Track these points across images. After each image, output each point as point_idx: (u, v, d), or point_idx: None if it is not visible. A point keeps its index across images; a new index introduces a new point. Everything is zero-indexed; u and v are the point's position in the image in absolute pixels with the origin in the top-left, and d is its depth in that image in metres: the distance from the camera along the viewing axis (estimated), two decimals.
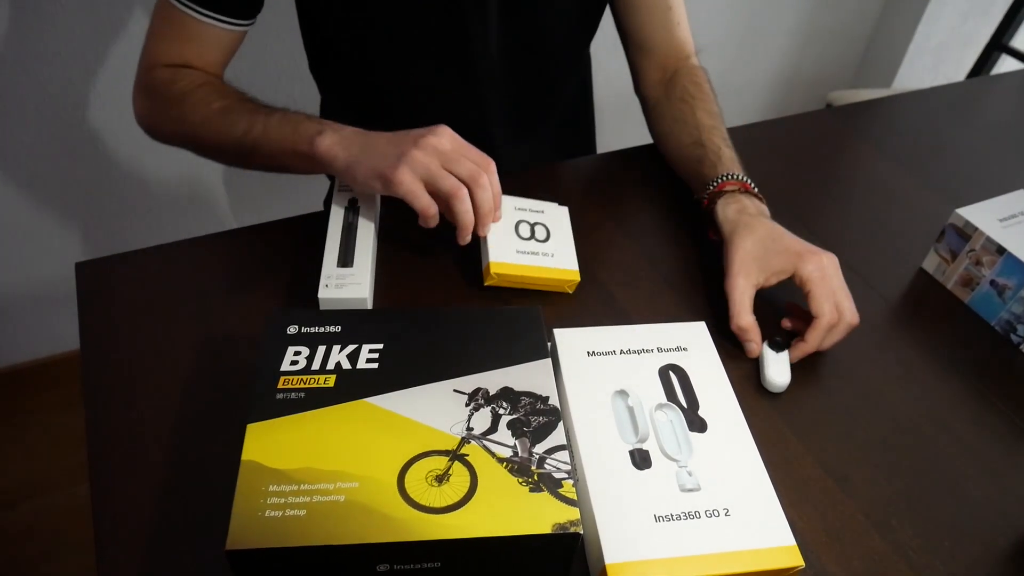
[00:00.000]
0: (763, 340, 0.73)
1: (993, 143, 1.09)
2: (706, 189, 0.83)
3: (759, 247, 0.75)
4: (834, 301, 0.71)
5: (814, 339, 0.71)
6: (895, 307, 0.81)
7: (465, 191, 0.71)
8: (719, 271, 0.78)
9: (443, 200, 0.71)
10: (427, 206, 0.70)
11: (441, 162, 0.71)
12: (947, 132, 1.11)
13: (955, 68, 2.27)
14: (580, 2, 0.93)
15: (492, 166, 0.73)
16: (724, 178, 0.81)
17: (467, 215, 0.71)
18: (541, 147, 1.06)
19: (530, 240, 0.77)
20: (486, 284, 0.75)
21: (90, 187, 1.48)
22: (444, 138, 0.72)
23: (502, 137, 1.01)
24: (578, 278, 0.76)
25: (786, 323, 0.76)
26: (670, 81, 0.95)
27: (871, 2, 2.15)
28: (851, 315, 0.72)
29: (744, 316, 0.73)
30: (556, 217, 0.81)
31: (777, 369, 0.71)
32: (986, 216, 0.80)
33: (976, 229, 0.79)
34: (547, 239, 0.78)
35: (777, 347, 0.72)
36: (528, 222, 0.79)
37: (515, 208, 0.80)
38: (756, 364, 0.72)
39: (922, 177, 1.01)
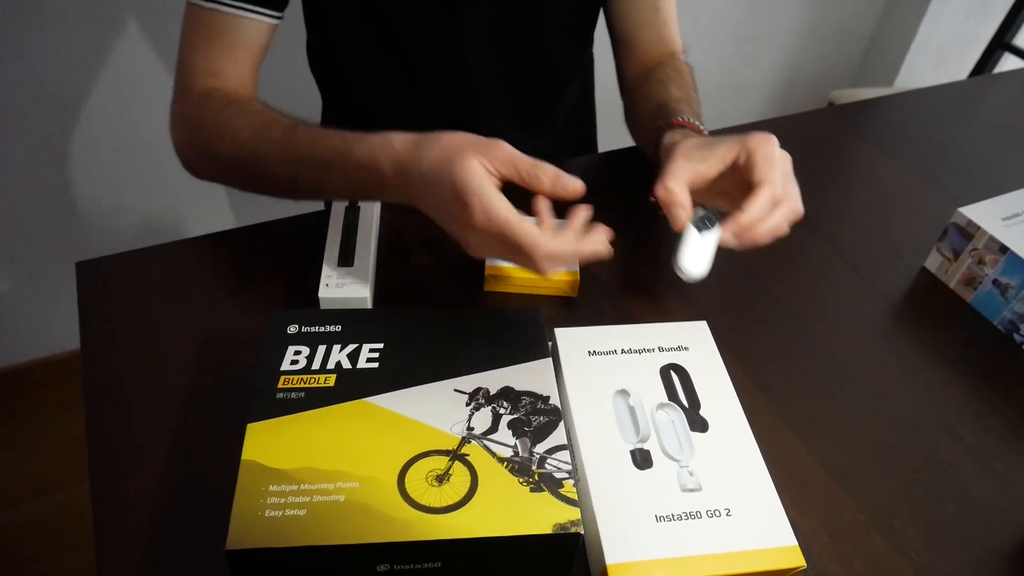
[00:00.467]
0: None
1: (995, 142, 1.09)
2: (659, 129, 0.78)
3: (703, 141, 0.69)
4: (782, 175, 0.64)
5: (754, 209, 0.62)
6: (897, 306, 0.80)
7: (532, 259, 0.60)
8: (721, 270, 0.77)
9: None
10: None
11: (500, 255, 0.62)
12: (949, 131, 1.11)
13: (957, 67, 2.26)
14: (574, 1, 0.93)
15: (536, 180, 0.61)
16: (681, 119, 0.78)
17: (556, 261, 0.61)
18: (541, 145, 1.06)
19: None
20: (486, 289, 0.75)
21: (90, 186, 1.48)
22: (488, 242, 0.60)
23: (500, 134, 1.01)
24: (578, 278, 0.76)
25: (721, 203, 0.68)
26: (650, 70, 0.94)
27: (872, 1, 2.15)
28: (797, 201, 0.65)
29: (672, 179, 0.64)
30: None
31: (695, 252, 0.62)
32: (989, 215, 0.80)
33: (979, 228, 0.79)
34: None
35: (702, 225, 0.62)
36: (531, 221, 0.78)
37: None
38: (756, 360, 0.72)
39: (924, 176, 1.00)
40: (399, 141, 0.65)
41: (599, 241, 0.61)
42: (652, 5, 0.94)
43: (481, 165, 0.59)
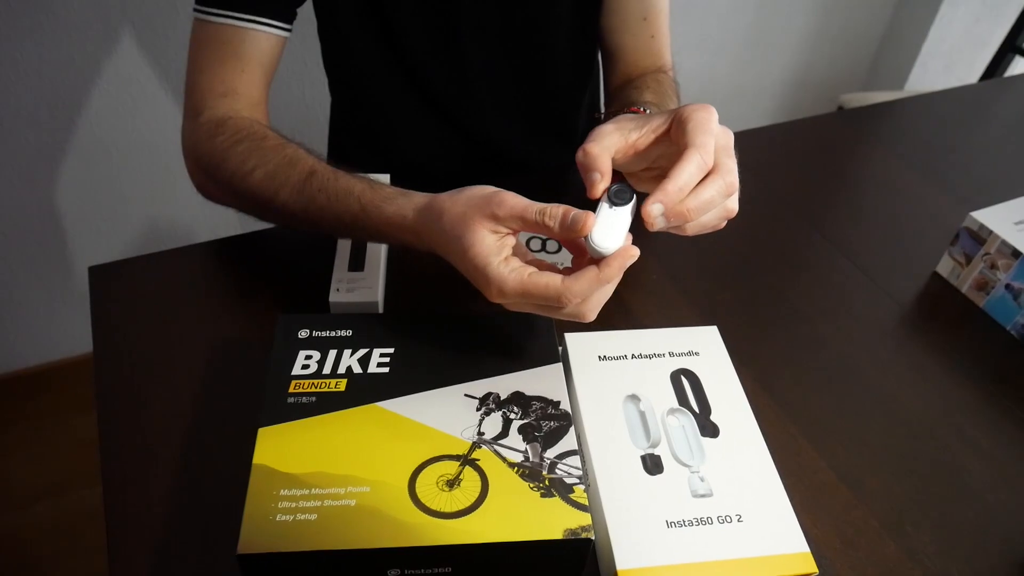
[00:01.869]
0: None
1: (1007, 146, 1.09)
2: (604, 115, 0.73)
3: (640, 115, 0.61)
4: (713, 142, 0.56)
5: (681, 174, 0.54)
6: (909, 311, 0.80)
7: (560, 310, 0.56)
8: (731, 275, 0.77)
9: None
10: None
11: (518, 307, 0.58)
12: (960, 135, 1.10)
13: (967, 71, 2.25)
14: (576, 10, 0.92)
15: (549, 226, 0.56)
16: (634, 107, 0.75)
17: (580, 316, 0.58)
18: (549, 150, 1.06)
19: (539, 253, 0.76)
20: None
21: (103, 191, 1.49)
22: (502, 299, 0.57)
23: (508, 139, 1.01)
24: None
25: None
26: (630, 80, 0.91)
27: (883, 4, 2.14)
28: (732, 174, 0.57)
29: (594, 144, 0.57)
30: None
31: (608, 226, 0.55)
32: (1001, 219, 0.79)
33: (991, 232, 0.78)
34: (558, 251, 0.77)
35: (615, 198, 0.56)
36: (540, 237, 0.78)
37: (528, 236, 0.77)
38: (767, 365, 0.72)
39: (935, 180, 1.00)
40: (412, 211, 0.63)
41: (625, 253, 0.56)
42: (640, 14, 0.92)
43: (491, 232, 0.56)
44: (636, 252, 0.55)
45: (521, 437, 0.54)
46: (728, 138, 0.58)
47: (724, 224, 0.60)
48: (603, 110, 0.99)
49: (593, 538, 0.49)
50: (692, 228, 0.58)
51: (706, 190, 0.55)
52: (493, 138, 0.99)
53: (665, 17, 0.93)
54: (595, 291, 0.55)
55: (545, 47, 0.95)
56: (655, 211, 0.54)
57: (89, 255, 1.55)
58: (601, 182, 0.56)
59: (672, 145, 0.58)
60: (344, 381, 0.57)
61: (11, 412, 1.65)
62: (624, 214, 0.56)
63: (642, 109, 0.76)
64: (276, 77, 0.85)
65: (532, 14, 0.91)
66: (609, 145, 0.58)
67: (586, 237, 0.55)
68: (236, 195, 0.74)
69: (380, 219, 0.65)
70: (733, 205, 0.59)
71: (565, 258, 0.77)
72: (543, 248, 0.77)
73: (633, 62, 0.94)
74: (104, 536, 0.56)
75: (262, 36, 0.79)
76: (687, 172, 0.54)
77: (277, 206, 0.71)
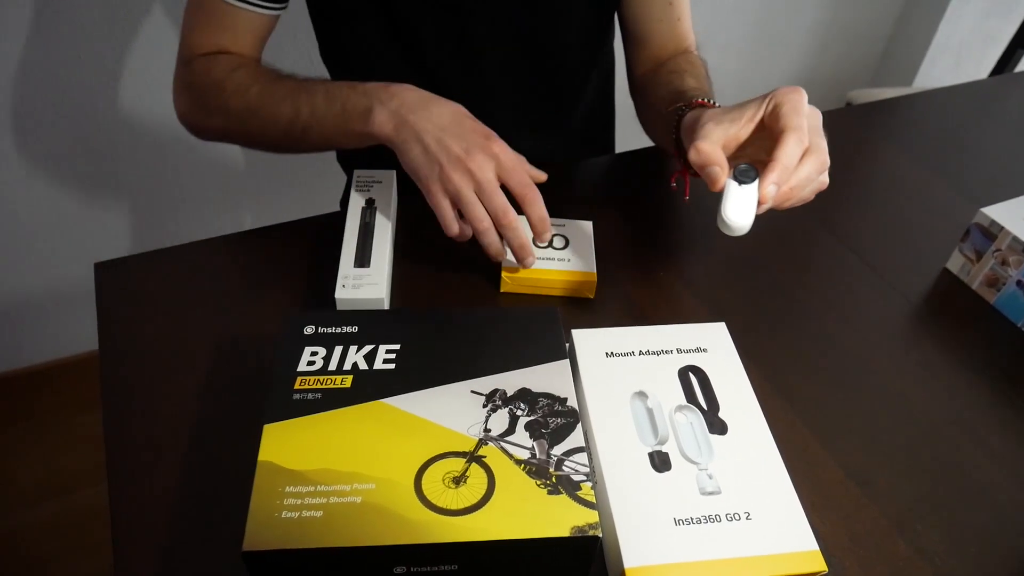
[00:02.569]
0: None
1: (1018, 141, 1.08)
2: (678, 111, 0.77)
3: (730, 107, 0.69)
4: (806, 123, 0.63)
5: (786, 154, 0.61)
6: (919, 308, 0.79)
7: (490, 226, 0.70)
8: (740, 271, 0.77)
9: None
10: (449, 225, 0.70)
11: (475, 189, 0.69)
12: (971, 130, 1.10)
13: (977, 67, 2.24)
14: (590, 1, 0.92)
15: (533, 196, 0.71)
16: (700, 99, 0.77)
17: (492, 247, 0.71)
18: (558, 145, 1.06)
19: (546, 248, 0.77)
20: (502, 291, 0.75)
21: (108, 188, 1.49)
22: (486, 166, 0.70)
23: (516, 133, 1.01)
24: (595, 279, 0.75)
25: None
26: (662, 64, 0.93)
27: (891, 0, 2.13)
28: (824, 153, 0.64)
29: (704, 141, 0.64)
30: (578, 230, 0.80)
31: (738, 204, 0.62)
32: (1012, 215, 0.79)
33: (1002, 228, 0.77)
34: (565, 247, 0.78)
35: (742, 178, 0.62)
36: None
37: None
38: (776, 362, 0.71)
39: (945, 176, 0.99)
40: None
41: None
42: (666, 0, 0.93)
43: None
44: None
45: (528, 434, 0.54)
46: (817, 118, 0.65)
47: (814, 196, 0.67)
48: (633, 95, 1.01)
49: (600, 535, 0.48)
50: (791, 202, 0.64)
51: (804, 168, 0.62)
52: (501, 135, 0.99)
53: None
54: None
55: (557, 41, 0.95)
56: (771, 191, 0.61)
57: (94, 252, 1.55)
58: (722, 173, 0.63)
59: (763, 129, 0.65)
60: (350, 378, 0.56)
61: (15, 410, 1.65)
62: (752, 192, 0.61)
63: (708, 101, 0.77)
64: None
65: (545, 10, 0.90)
66: (716, 140, 0.64)
67: (720, 215, 0.61)
68: (230, 114, 0.81)
69: (347, 88, 0.75)
70: (825, 179, 0.65)
71: (572, 255, 0.77)
72: (549, 245, 0.77)
73: (661, 46, 0.95)
74: (108, 533, 0.56)
75: (253, 15, 0.83)
76: (792, 153, 0.61)
77: (266, 113, 0.79)
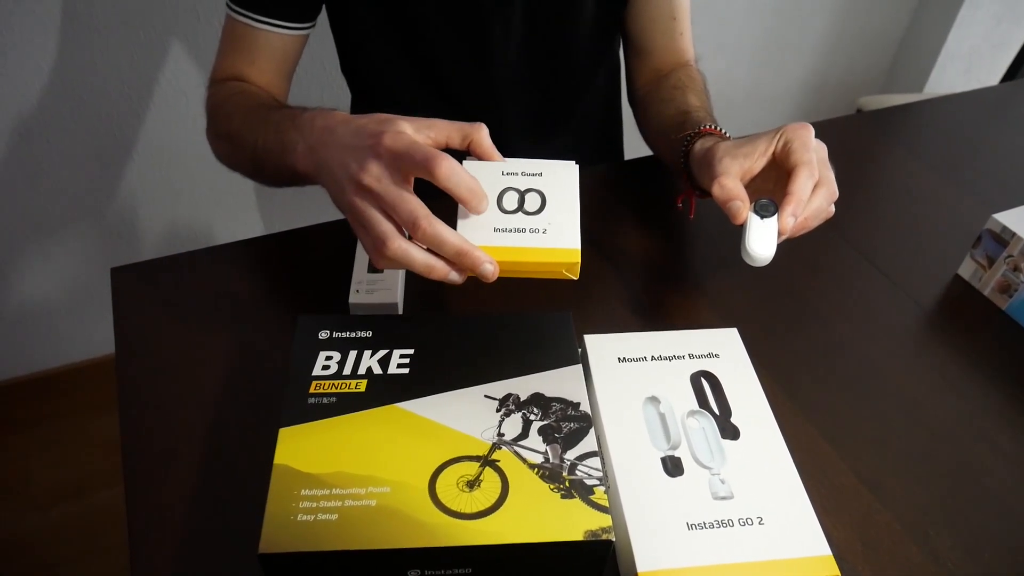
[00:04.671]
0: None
1: None
2: (686, 138, 0.78)
3: (741, 140, 0.71)
4: (815, 157, 0.66)
5: (799, 187, 0.64)
6: (930, 314, 0.79)
7: (393, 238, 0.56)
8: (752, 277, 0.77)
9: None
10: (375, 259, 0.59)
11: (377, 206, 0.57)
12: (982, 136, 1.09)
13: (988, 73, 2.23)
14: (599, 7, 0.93)
15: (437, 166, 0.55)
16: (706, 125, 0.78)
17: (433, 272, 0.57)
18: (566, 152, 1.06)
19: (516, 213, 0.61)
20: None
21: (124, 194, 1.50)
22: (378, 171, 0.57)
23: (526, 142, 1.01)
24: (578, 259, 0.59)
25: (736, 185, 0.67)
26: (663, 76, 0.94)
27: (902, 6, 2.13)
28: (833, 184, 0.67)
29: (726, 176, 0.67)
30: (558, 180, 0.64)
31: (760, 237, 0.64)
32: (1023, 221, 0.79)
33: (1014, 235, 0.77)
34: (540, 210, 0.61)
35: (763, 212, 0.66)
36: (517, 189, 0.62)
37: (503, 173, 0.63)
38: (788, 368, 0.72)
39: (957, 182, 0.99)
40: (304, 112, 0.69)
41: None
42: (670, 14, 0.94)
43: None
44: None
45: (541, 438, 0.54)
46: (824, 151, 0.69)
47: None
48: (632, 105, 1.01)
49: (613, 540, 0.49)
50: (803, 231, 0.67)
51: (816, 199, 0.65)
52: (511, 144, 0.99)
53: (689, 12, 0.96)
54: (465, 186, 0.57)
55: (567, 48, 0.96)
56: (790, 222, 0.64)
57: (108, 257, 1.57)
58: (744, 208, 0.65)
59: (776, 167, 0.69)
60: (364, 382, 0.57)
61: (31, 414, 1.66)
62: (772, 224, 0.64)
63: (716, 128, 0.79)
64: (296, 81, 0.86)
65: (557, 20, 0.91)
66: (736, 174, 0.67)
67: (744, 248, 0.64)
68: (220, 140, 0.81)
69: (290, 119, 0.68)
70: (832, 209, 0.68)
71: (548, 220, 0.61)
72: (519, 207, 0.62)
73: (662, 58, 0.96)
74: (123, 536, 0.56)
75: (273, 36, 0.83)
76: (805, 187, 0.64)
77: (242, 138, 0.75)
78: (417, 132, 0.58)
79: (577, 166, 0.65)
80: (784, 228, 0.64)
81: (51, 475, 1.58)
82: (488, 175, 0.62)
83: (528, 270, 0.60)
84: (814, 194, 0.66)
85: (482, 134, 0.61)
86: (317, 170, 0.63)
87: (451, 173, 0.55)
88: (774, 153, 0.69)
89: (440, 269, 0.57)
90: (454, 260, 0.57)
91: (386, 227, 0.56)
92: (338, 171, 0.59)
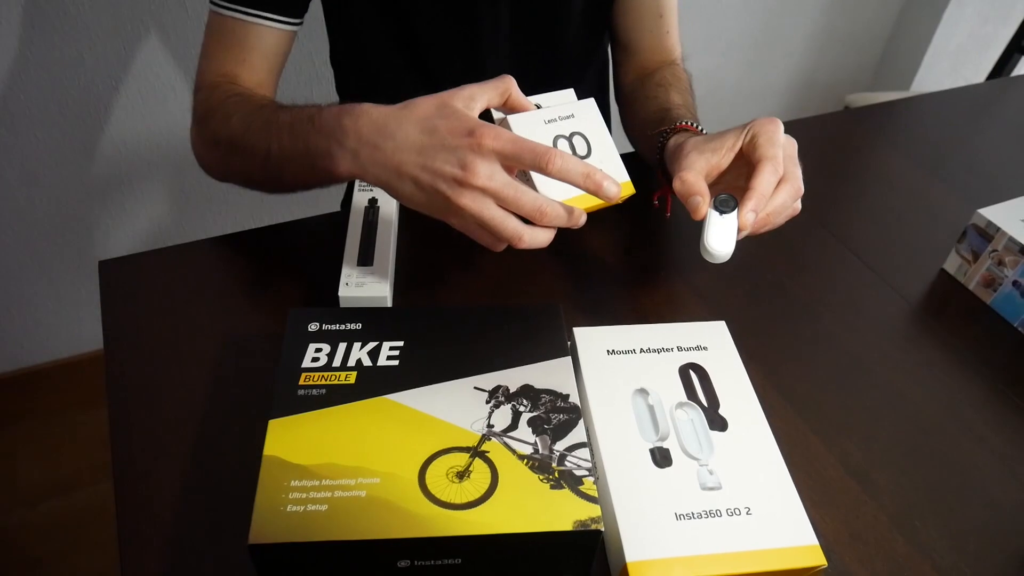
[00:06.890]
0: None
1: (1014, 144, 1.09)
2: (662, 134, 0.78)
3: (711, 136, 0.71)
4: (782, 152, 0.65)
5: (762, 183, 0.63)
6: (916, 308, 0.80)
7: (523, 231, 0.60)
8: (740, 271, 0.77)
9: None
10: (493, 247, 0.62)
11: (496, 203, 0.59)
12: (967, 133, 1.10)
13: (974, 71, 2.25)
14: (587, 3, 0.94)
15: (560, 164, 0.57)
16: (683, 123, 0.78)
17: (536, 242, 0.61)
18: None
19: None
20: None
21: (112, 188, 1.49)
22: (491, 171, 0.57)
23: None
24: (632, 189, 0.66)
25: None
26: (649, 74, 0.94)
27: (889, 5, 2.14)
28: (798, 180, 0.66)
29: (687, 171, 0.66)
30: (587, 118, 0.68)
31: (719, 233, 0.64)
32: (1008, 216, 0.79)
33: (998, 229, 0.78)
34: (588, 153, 0.67)
35: (723, 208, 0.64)
36: (565, 136, 0.67)
37: (544, 121, 0.66)
38: (776, 361, 0.72)
39: (943, 178, 1.00)
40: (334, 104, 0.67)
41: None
42: (656, 12, 0.94)
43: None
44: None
45: (531, 430, 0.54)
46: (793, 147, 0.67)
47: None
48: (618, 102, 1.02)
49: (602, 530, 0.49)
50: (766, 228, 0.67)
51: (779, 196, 0.64)
52: None
53: (676, 10, 0.96)
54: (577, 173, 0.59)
55: (561, 47, 0.96)
56: (750, 218, 0.63)
57: (97, 252, 1.56)
58: (704, 203, 0.64)
59: (742, 158, 0.67)
60: (354, 374, 0.57)
61: (18, 409, 1.65)
62: (732, 220, 0.64)
63: (692, 125, 0.78)
64: (284, 76, 0.86)
65: (544, 14, 0.91)
66: (699, 170, 0.66)
67: (702, 243, 0.64)
68: (219, 144, 0.76)
69: (310, 125, 0.66)
70: (798, 206, 0.68)
71: (600, 159, 0.68)
72: (573, 152, 0.66)
73: (648, 56, 0.96)
74: (111, 531, 0.56)
75: (265, 30, 0.81)
76: (768, 182, 0.63)
77: (246, 142, 0.72)
78: (471, 111, 0.61)
79: (592, 99, 0.70)
80: (744, 224, 0.63)
81: (38, 471, 1.57)
82: (536, 129, 0.66)
83: (599, 207, 0.65)
84: (777, 190, 0.65)
85: (515, 87, 0.65)
86: (380, 178, 0.62)
87: (563, 166, 0.58)
88: (742, 148, 0.68)
89: (552, 232, 0.62)
90: (568, 225, 0.62)
91: (513, 223, 0.59)
92: (424, 176, 0.59)
